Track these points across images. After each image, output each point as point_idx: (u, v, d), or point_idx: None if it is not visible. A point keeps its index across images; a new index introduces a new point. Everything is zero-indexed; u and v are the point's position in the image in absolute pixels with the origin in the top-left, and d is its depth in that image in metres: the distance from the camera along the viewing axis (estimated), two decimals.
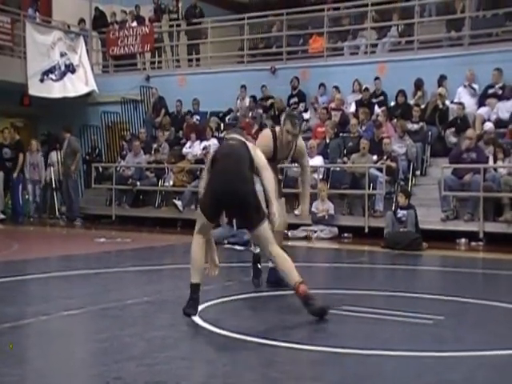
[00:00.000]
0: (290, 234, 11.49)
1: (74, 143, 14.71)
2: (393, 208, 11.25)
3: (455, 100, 13.17)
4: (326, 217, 11.81)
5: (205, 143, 14.30)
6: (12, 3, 16.20)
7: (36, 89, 15.21)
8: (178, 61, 17.98)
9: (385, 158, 12.07)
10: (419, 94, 13.68)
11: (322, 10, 15.84)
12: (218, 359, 4.07)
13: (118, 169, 15.02)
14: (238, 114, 15.33)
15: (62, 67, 15.78)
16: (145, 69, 17.97)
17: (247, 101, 15.36)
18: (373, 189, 11.98)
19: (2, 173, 14.44)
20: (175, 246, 10.68)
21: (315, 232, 11.61)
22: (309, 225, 11.80)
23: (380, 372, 3.82)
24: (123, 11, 18.60)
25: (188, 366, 3.89)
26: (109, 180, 14.96)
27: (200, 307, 5.27)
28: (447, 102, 13.04)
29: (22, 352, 4.16)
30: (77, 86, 16.01)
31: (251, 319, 5.21)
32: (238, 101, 15.54)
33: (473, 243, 10.89)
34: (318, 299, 5.05)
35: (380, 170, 11.92)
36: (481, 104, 12.96)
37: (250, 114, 14.91)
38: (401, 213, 10.56)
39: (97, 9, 18.46)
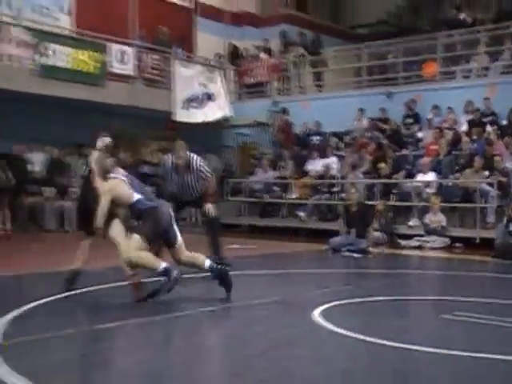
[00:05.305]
0: (404, 243, 11.24)
1: (214, 164, 15.14)
2: (504, 221, 10.70)
3: None
4: (439, 228, 11.42)
5: (325, 161, 14.26)
6: (163, 44, 16.93)
7: (181, 115, 15.74)
8: (302, 87, 18.06)
9: (496, 173, 11.52)
10: None
11: (436, 37, 15.45)
12: (337, 356, 4.00)
13: (249, 183, 15.26)
14: (356, 134, 15.16)
15: (202, 96, 16.25)
16: (273, 95, 18.16)
17: (364, 122, 15.17)
18: (484, 202, 11.46)
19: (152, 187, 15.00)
20: (299, 253, 10.67)
21: (428, 242, 11.24)
22: (422, 235, 11.46)
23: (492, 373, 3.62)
24: (254, 46, 18.96)
25: (309, 362, 3.84)
26: (241, 193, 15.24)
27: (321, 308, 5.21)
28: None
29: (159, 344, 4.26)
30: (215, 112, 16.42)
31: (368, 320, 5.09)
32: (356, 122, 15.37)
33: None
34: None
35: (491, 184, 11.40)
36: None
37: (367, 135, 14.72)
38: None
39: (232, 45, 18.95)
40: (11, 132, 13.78)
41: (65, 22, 16.37)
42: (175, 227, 5.46)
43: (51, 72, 13.82)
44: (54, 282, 5.75)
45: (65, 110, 14.70)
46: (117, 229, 5.41)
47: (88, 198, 5.57)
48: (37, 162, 13.74)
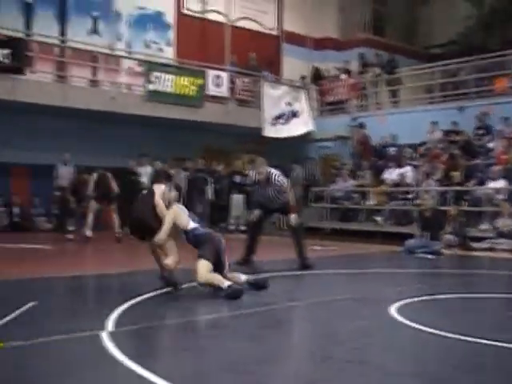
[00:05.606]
0: (475, 245, 10.85)
1: (299, 174, 15.18)
2: None
3: None
4: (508, 231, 10.93)
5: (401, 170, 14.00)
6: (253, 68, 17.21)
7: (269, 131, 15.85)
8: (378, 103, 17.82)
9: None
10: None
11: (506, 55, 14.85)
12: (412, 347, 3.93)
13: (330, 191, 15.19)
14: (430, 145, 14.78)
15: (288, 113, 16.31)
16: (352, 111, 18.00)
17: (437, 134, 14.77)
18: None
19: (243, 195, 15.20)
20: (376, 254, 10.52)
21: (498, 244, 10.79)
22: (492, 238, 11.02)
23: None
24: (335, 67, 18.90)
25: (386, 351, 3.80)
26: (323, 200, 15.20)
27: (397, 304, 5.12)
28: None
29: (254, 332, 4.32)
30: (299, 127, 16.42)
31: (441, 316, 4.96)
32: (429, 135, 14.99)
33: None
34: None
35: None
36: None
37: (440, 146, 14.33)
38: None
39: (315, 67, 18.96)
40: (125, 149, 14.41)
41: (169, 53, 16.97)
42: (223, 254, 5.73)
43: (158, 97, 14.35)
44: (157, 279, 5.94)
45: (169, 129, 15.20)
46: (170, 242, 5.78)
47: (143, 212, 5.84)
48: (144, 174, 14.23)
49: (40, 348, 3.64)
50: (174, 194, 6.08)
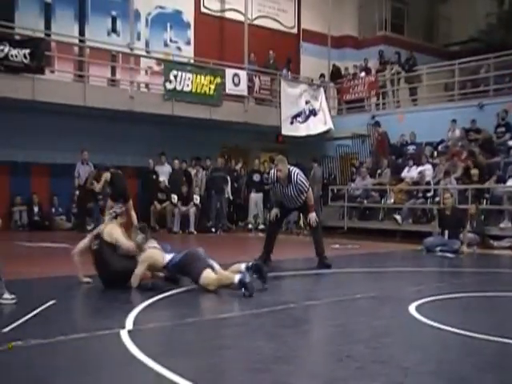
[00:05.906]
0: (496, 244, 10.70)
1: (318, 173, 15.08)
2: None
3: None
4: None
5: (420, 168, 13.87)
6: (271, 67, 17.18)
7: (287, 129, 15.84)
8: (398, 102, 17.67)
9: None
10: None
11: None
12: (431, 346, 3.87)
13: (349, 190, 15.09)
14: (449, 143, 14.62)
15: (306, 112, 16.27)
16: (371, 109, 17.88)
17: (457, 132, 14.60)
18: None
19: (262, 194, 15.21)
20: (395, 253, 10.43)
21: None
22: None
23: None
24: (354, 65, 18.78)
25: (405, 350, 3.75)
26: (341, 199, 15.10)
27: (416, 303, 5.06)
28: None
29: (273, 331, 4.29)
30: (318, 125, 16.38)
31: (462, 315, 4.89)
32: (449, 133, 14.82)
33: None
34: None
35: None
36: None
37: (459, 144, 14.17)
38: None
39: (334, 65, 18.86)
40: (144, 148, 14.47)
41: (187, 52, 17.00)
42: (209, 259, 5.70)
43: (177, 95, 14.38)
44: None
45: (187, 128, 15.23)
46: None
47: (107, 263, 5.74)
48: (163, 173, 14.27)
49: (59, 346, 3.65)
50: (140, 237, 5.83)
